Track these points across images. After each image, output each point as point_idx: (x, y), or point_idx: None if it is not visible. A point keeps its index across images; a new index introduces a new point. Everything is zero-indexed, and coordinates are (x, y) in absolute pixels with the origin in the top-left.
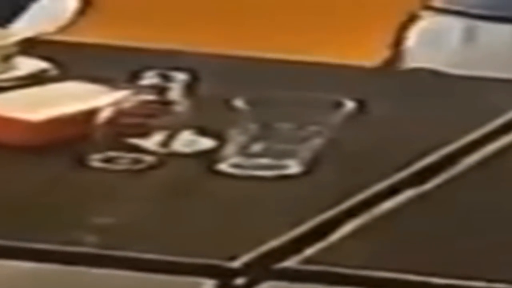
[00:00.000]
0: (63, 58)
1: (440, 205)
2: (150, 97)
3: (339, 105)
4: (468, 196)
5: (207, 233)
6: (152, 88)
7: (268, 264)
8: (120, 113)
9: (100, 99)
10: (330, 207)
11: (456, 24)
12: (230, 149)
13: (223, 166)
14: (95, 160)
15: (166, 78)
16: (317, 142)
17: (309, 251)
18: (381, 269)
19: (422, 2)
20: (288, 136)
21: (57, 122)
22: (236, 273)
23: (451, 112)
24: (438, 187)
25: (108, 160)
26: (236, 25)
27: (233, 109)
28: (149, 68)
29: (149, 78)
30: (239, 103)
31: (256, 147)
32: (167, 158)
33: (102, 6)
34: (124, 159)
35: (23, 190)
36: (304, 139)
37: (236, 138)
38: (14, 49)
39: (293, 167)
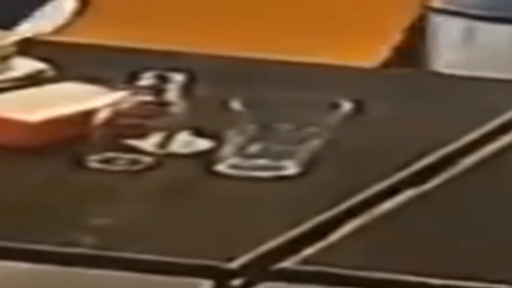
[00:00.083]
0: (61, 59)
1: (439, 206)
2: (148, 98)
3: (336, 106)
4: (467, 196)
5: (205, 234)
6: (150, 89)
7: (266, 265)
8: (117, 114)
9: (97, 100)
10: (328, 207)
11: (455, 25)
12: (227, 150)
13: (220, 167)
14: (93, 161)
15: (163, 79)
16: (314, 143)
17: (306, 252)
18: (379, 270)
19: (422, 3)
20: (286, 137)
21: (55, 123)
22: (233, 274)
23: (450, 113)
24: (437, 187)
25: (105, 161)
26: (234, 26)
27: (230, 110)
28: (147, 69)
29: (147, 79)
30: (236, 104)
31: (254, 148)
32: (164, 159)
33: (99, 7)
34: (122, 160)
35: (20, 191)
36: (302, 140)
37: (233, 139)
38: (12, 49)
39: (291, 168)
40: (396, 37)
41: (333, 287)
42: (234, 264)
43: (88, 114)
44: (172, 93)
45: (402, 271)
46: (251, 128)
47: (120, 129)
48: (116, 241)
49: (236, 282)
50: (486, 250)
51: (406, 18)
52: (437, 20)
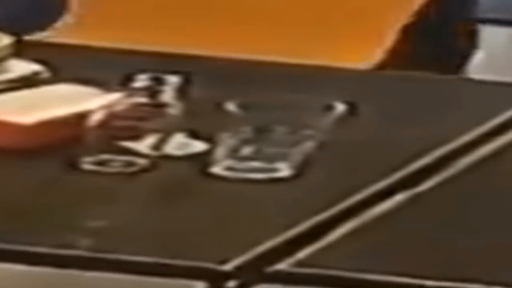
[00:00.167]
0: (56, 60)
1: (435, 207)
2: (143, 100)
3: (330, 108)
4: (463, 198)
5: (199, 235)
6: (145, 91)
7: (261, 267)
8: (112, 116)
9: (92, 101)
10: (322, 209)
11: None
12: (222, 152)
13: (215, 169)
14: (87, 163)
15: (158, 81)
16: (308, 145)
17: (301, 254)
18: (374, 272)
19: (415, 4)
20: (280, 139)
21: (49, 125)
22: (228, 276)
23: (445, 114)
24: (433, 188)
25: (100, 163)
26: (228, 29)
27: (225, 112)
28: (142, 71)
29: (142, 81)
30: (231, 106)
31: (248, 150)
32: (159, 161)
33: (87, 9)
34: (117, 162)
35: (15, 193)
36: (296, 142)
37: (228, 141)
38: (6, 51)
39: (285, 170)
40: (390, 38)
41: None
42: (229, 266)
43: (83, 116)
44: (167, 95)
45: (398, 273)
46: (246, 130)
47: (115, 131)
48: (111, 243)
49: (231, 284)
50: (482, 252)
51: (400, 20)
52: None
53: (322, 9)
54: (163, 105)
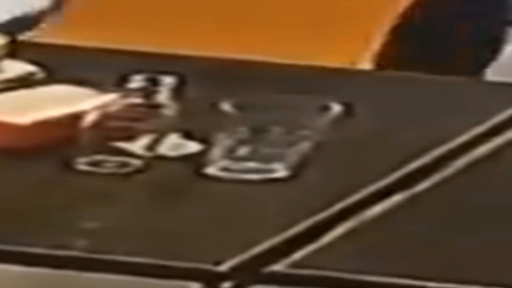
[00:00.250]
0: (51, 61)
1: (431, 208)
2: (138, 100)
3: (326, 108)
4: (459, 199)
5: (194, 236)
6: (140, 91)
7: (256, 268)
8: (107, 117)
9: (87, 102)
10: (318, 210)
11: None
12: (217, 152)
13: (210, 170)
14: (82, 164)
15: (153, 81)
16: (304, 145)
17: (297, 255)
18: (371, 273)
19: (402, 6)
20: (276, 139)
21: (44, 125)
22: (223, 277)
23: (441, 115)
24: (429, 189)
25: (94, 164)
26: (219, 29)
27: (220, 112)
28: (137, 71)
29: (137, 82)
30: (226, 106)
31: (244, 151)
32: (154, 161)
33: (76, 8)
34: (111, 162)
35: (9, 193)
36: (292, 143)
37: (223, 142)
38: (1, 52)
39: (281, 171)
40: (377, 41)
41: None
42: (224, 267)
43: (77, 117)
44: (162, 96)
45: (396, 274)
46: (241, 131)
47: (109, 131)
48: (105, 244)
49: (226, 285)
50: (481, 252)
51: (387, 22)
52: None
53: (309, 11)
54: (158, 106)
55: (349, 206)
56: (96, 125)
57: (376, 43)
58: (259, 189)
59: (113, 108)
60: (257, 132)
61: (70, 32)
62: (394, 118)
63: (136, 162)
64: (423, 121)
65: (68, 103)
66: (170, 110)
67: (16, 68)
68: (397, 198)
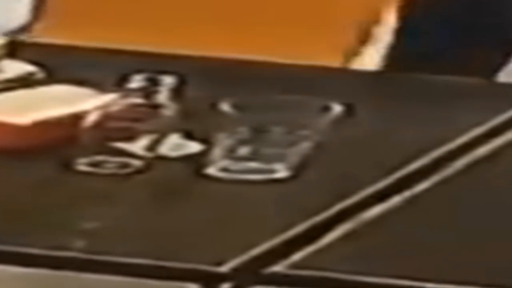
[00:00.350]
0: (51, 61)
1: (432, 209)
2: (138, 100)
3: (327, 108)
4: (459, 200)
5: (194, 237)
6: (140, 91)
7: (256, 269)
8: (107, 117)
9: (87, 102)
10: (319, 211)
11: None
12: (217, 152)
13: (210, 170)
14: (82, 164)
15: (154, 81)
16: (305, 145)
17: (297, 256)
18: (371, 274)
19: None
20: (276, 139)
21: (44, 126)
22: (223, 278)
23: (441, 116)
24: (429, 190)
25: (94, 164)
26: (211, 27)
27: (221, 112)
28: (137, 71)
29: (137, 82)
30: (226, 106)
31: (244, 151)
32: (154, 162)
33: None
34: (111, 163)
35: (8, 193)
36: (293, 143)
37: (223, 142)
38: (0, 52)
39: (281, 171)
40: (354, 37)
41: None
42: (224, 268)
43: (78, 117)
44: (162, 96)
45: (395, 275)
46: (242, 131)
47: (110, 132)
48: (105, 245)
49: (226, 286)
50: (479, 253)
51: (371, 18)
52: None
53: (302, 10)
54: (158, 106)
55: (349, 207)
56: (96, 125)
57: (353, 40)
58: (259, 190)
59: (113, 108)
60: (258, 132)
61: (57, 32)
62: (394, 119)
63: (137, 163)
64: (423, 122)
65: (68, 103)
66: (170, 110)
67: (16, 68)
68: (396, 199)
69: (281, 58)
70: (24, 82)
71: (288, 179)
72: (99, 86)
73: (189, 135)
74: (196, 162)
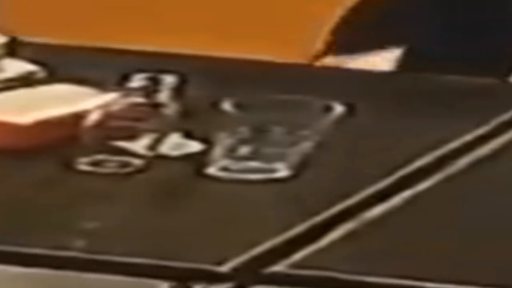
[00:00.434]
0: (51, 60)
1: (433, 209)
2: (139, 99)
3: (328, 108)
4: (460, 200)
5: (195, 237)
6: (141, 90)
7: (257, 268)
8: (108, 116)
9: (88, 101)
10: (319, 211)
11: None
12: (218, 152)
13: (211, 170)
14: (83, 164)
15: (154, 81)
16: (306, 145)
17: (298, 256)
18: (372, 274)
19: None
20: (277, 139)
21: (45, 125)
22: (224, 277)
23: (442, 115)
24: (430, 190)
25: (95, 164)
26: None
27: (221, 112)
28: (138, 70)
29: (138, 81)
30: (227, 106)
31: (245, 150)
32: (155, 161)
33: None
34: (112, 162)
35: (10, 193)
36: (293, 143)
37: (224, 141)
38: (1, 51)
39: (282, 171)
40: (327, 31)
41: None
42: (225, 268)
43: (79, 116)
44: (163, 95)
45: (396, 275)
46: (243, 130)
47: (111, 131)
48: (106, 244)
49: (227, 285)
50: (480, 254)
51: (336, 11)
52: None
53: (264, 8)
54: (159, 105)
55: (350, 206)
56: (97, 124)
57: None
58: (259, 189)
59: (114, 108)
60: (258, 132)
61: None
62: (396, 119)
63: (137, 162)
64: (424, 122)
65: (69, 103)
66: (171, 109)
67: (17, 67)
68: (397, 199)
69: (237, 53)
70: (25, 81)
71: (289, 178)
72: (100, 85)
73: (189, 135)
74: (197, 161)
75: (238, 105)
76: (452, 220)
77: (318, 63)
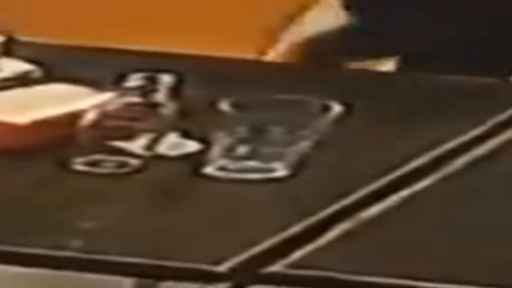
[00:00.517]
0: (48, 60)
1: (430, 208)
2: (135, 99)
3: (326, 108)
4: (457, 199)
5: (193, 236)
6: (138, 90)
7: (255, 268)
8: (105, 116)
9: (85, 101)
10: (317, 210)
11: None
12: (216, 152)
13: (209, 169)
14: (79, 164)
15: (151, 80)
16: (304, 145)
17: (296, 255)
18: (369, 274)
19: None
20: (275, 139)
21: (42, 125)
22: (221, 277)
23: (440, 114)
24: (428, 189)
25: (92, 164)
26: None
27: (219, 111)
28: (135, 70)
29: (134, 80)
30: (225, 105)
31: (243, 150)
32: (152, 161)
33: None
34: (109, 162)
35: (6, 193)
36: (291, 142)
37: (222, 141)
38: None
39: (280, 170)
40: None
41: None
42: (223, 267)
43: (75, 116)
44: (160, 95)
45: (393, 274)
46: (240, 130)
47: (108, 131)
48: (103, 244)
49: (224, 285)
50: (475, 254)
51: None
52: None
53: (214, 3)
54: (156, 105)
55: (348, 206)
56: (94, 124)
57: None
58: (257, 189)
59: (110, 107)
60: (256, 132)
61: None
62: (393, 118)
63: (134, 162)
64: (422, 121)
65: (66, 102)
66: (168, 109)
67: (13, 67)
68: (395, 198)
69: (185, 48)
70: (22, 81)
71: (287, 178)
72: (97, 85)
73: (187, 134)
74: (195, 161)
75: (235, 105)
76: (448, 220)
77: (266, 58)
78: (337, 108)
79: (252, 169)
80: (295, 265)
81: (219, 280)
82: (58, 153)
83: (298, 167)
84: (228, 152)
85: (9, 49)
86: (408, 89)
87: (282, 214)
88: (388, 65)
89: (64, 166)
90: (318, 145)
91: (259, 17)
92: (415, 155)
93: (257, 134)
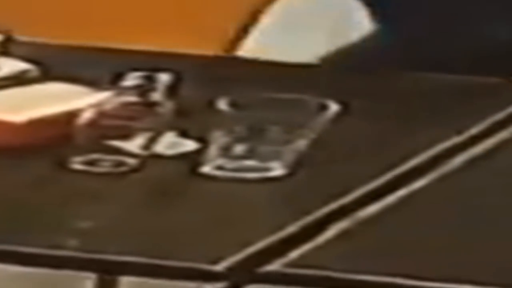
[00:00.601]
0: (45, 59)
1: (428, 207)
2: (133, 98)
3: (323, 107)
4: (455, 198)
5: (190, 236)
6: (135, 89)
7: (252, 267)
8: (102, 115)
9: (82, 100)
10: (314, 209)
11: None
12: (213, 151)
13: (206, 169)
14: (77, 163)
15: (149, 79)
16: (301, 144)
17: (293, 254)
18: (366, 273)
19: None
20: (272, 138)
21: (39, 124)
22: (219, 276)
23: (438, 114)
24: (425, 188)
25: (89, 163)
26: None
27: (216, 110)
28: (132, 69)
29: (132, 80)
30: (222, 104)
31: (240, 149)
32: (149, 160)
33: None
34: (106, 161)
35: (3, 192)
36: (288, 141)
37: (219, 140)
38: None
39: (277, 169)
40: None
41: None
42: (220, 267)
43: (73, 115)
44: (157, 94)
45: (390, 273)
46: (238, 129)
47: (105, 130)
48: (100, 244)
49: (222, 285)
50: (473, 252)
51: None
52: None
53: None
54: (153, 104)
55: (345, 205)
56: (91, 123)
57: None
58: (255, 188)
59: (108, 106)
60: (254, 131)
61: None
62: (391, 117)
63: (132, 161)
64: (419, 120)
65: (63, 101)
66: (165, 108)
67: (11, 65)
68: (392, 197)
69: (151, 46)
70: (19, 80)
71: (284, 177)
72: (94, 84)
73: (184, 134)
74: (192, 160)
75: (233, 104)
76: (446, 219)
77: (233, 53)
78: (334, 107)
79: (249, 168)
80: (292, 264)
81: (216, 280)
82: (55, 152)
83: (296, 166)
84: (225, 151)
85: (7, 49)
86: (406, 88)
87: (279, 213)
88: None
89: (61, 165)
90: (316, 144)
91: (223, 16)
92: (413, 154)
93: (254, 133)
